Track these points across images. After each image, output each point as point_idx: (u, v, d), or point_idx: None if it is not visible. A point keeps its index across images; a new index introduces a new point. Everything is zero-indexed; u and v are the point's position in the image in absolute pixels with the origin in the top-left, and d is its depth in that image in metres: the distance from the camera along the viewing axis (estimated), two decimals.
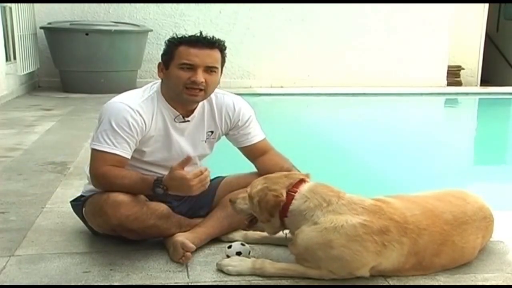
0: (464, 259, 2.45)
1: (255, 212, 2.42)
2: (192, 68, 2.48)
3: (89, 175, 2.62)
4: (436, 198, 2.51)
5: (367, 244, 2.22)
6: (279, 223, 2.39)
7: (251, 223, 2.53)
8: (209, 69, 2.51)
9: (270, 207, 2.34)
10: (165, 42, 2.60)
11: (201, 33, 2.56)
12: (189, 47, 2.49)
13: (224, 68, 2.62)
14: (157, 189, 2.40)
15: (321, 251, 2.25)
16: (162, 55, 2.59)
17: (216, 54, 2.54)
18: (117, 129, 2.47)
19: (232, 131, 2.77)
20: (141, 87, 2.69)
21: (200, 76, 2.48)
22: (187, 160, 2.41)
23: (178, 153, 2.66)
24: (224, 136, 2.83)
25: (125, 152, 2.50)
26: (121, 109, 2.50)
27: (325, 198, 2.32)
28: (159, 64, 2.60)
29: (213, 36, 2.56)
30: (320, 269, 2.29)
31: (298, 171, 2.66)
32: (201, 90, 2.51)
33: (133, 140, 2.51)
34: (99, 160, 2.50)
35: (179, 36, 2.58)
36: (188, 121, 2.65)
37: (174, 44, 2.53)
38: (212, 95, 2.68)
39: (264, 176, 2.47)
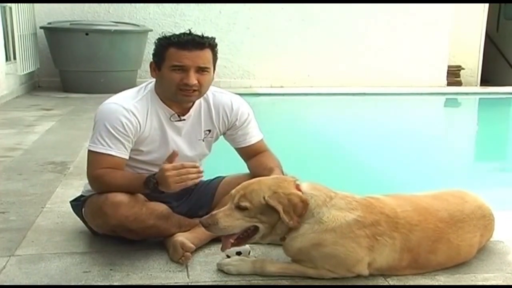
0: (461, 257, 2.45)
1: (268, 222, 2.26)
2: (183, 69, 2.47)
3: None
4: (433, 197, 2.52)
5: (359, 240, 2.24)
6: (286, 229, 2.28)
7: (239, 239, 2.31)
8: (201, 70, 2.50)
9: (301, 210, 2.24)
10: (154, 42, 2.59)
11: (190, 32, 2.53)
12: (179, 49, 2.47)
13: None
14: (149, 183, 2.39)
15: (314, 250, 2.26)
16: (153, 56, 2.58)
17: (207, 54, 2.52)
18: (111, 130, 2.47)
19: (230, 131, 2.76)
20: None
21: (193, 78, 2.47)
22: (174, 155, 2.40)
23: None
24: (222, 137, 2.82)
25: (121, 152, 2.50)
26: (114, 110, 2.50)
27: (326, 193, 2.33)
28: (151, 63, 2.60)
29: (202, 35, 2.53)
30: (318, 268, 2.29)
31: (283, 172, 2.63)
32: (195, 90, 2.51)
33: (128, 140, 2.51)
34: (95, 162, 2.50)
35: (168, 35, 2.55)
36: (184, 120, 2.64)
37: (164, 46, 2.51)
38: (210, 94, 2.68)
39: (258, 181, 2.34)
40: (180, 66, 2.47)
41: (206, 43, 2.52)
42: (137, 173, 2.58)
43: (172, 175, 2.31)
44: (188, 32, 2.53)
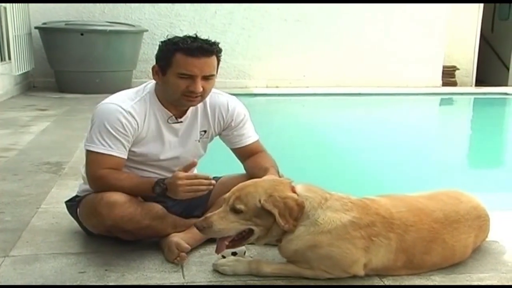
0: (456, 257, 2.45)
1: (263, 225, 2.26)
2: (190, 77, 2.46)
3: (85, 177, 2.62)
4: (428, 198, 2.53)
5: (355, 241, 2.24)
6: (281, 231, 2.27)
7: (234, 241, 2.31)
8: (207, 77, 2.50)
9: (296, 213, 2.24)
10: (159, 45, 2.56)
11: (196, 36, 2.52)
12: (187, 56, 2.44)
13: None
14: (157, 188, 2.42)
15: (310, 252, 2.26)
16: (157, 59, 2.55)
17: (214, 61, 2.51)
18: (111, 130, 2.47)
19: (226, 131, 2.76)
20: (135, 87, 2.68)
21: (199, 86, 2.46)
22: (192, 164, 2.44)
23: (170, 154, 2.66)
24: (217, 137, 2.82)
25: (121, 152, 2.51)
26: (114, 110, 2.50)
27: (321, 195, 2.33)
28: (154, 67, 2.57)
29: (208, 40, 2.51)
30: (314, 269, 2.30)
31: (278, 172, 2.62)
32: (198, 96, 2.51)
33: (127, 140, 2.51)
34: (96, 162, 2.49)
35: (173, 37, 2.53)
36: (181, 122, 2.65)
37: (170, 51, 2.48)
38: None
39: (253, 183, 2.33)
40: (188, 75, 2.46)
41: (214, 51, 2.51)
42: (143, 176, 2.59)
43: (184, 184, 2.34)
44: (194, 36, 2.51)
